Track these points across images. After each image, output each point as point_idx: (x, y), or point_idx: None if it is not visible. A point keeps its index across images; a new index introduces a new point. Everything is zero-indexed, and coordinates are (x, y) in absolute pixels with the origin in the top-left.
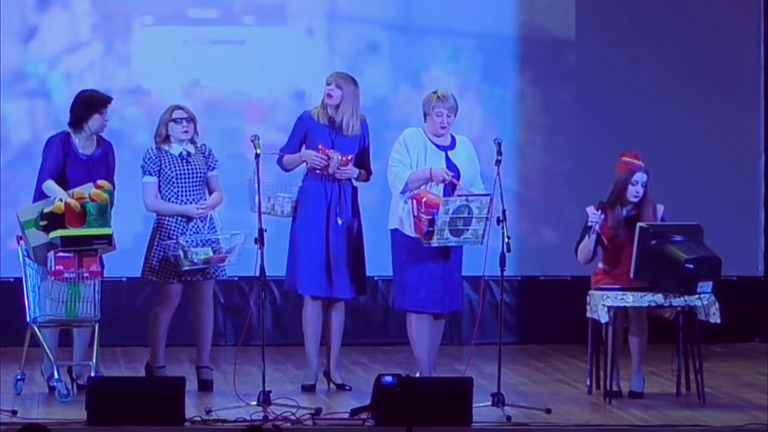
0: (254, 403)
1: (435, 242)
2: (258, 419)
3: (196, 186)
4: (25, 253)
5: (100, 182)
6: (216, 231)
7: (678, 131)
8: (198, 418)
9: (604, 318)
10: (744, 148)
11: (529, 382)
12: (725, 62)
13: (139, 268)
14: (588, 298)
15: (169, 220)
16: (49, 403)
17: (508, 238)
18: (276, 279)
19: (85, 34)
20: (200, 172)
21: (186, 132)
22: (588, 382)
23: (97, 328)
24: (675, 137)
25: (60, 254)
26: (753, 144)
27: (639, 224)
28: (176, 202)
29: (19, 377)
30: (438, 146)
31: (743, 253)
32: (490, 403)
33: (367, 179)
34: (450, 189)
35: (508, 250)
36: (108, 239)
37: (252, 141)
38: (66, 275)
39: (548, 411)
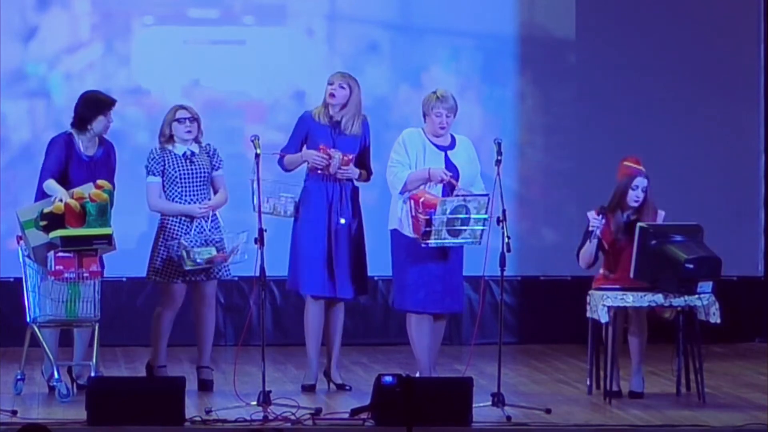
0: (254, 403)
1: (432, 242)
2: (258, 419)
3: (200, 186)
4: (25, 253)
5: (99, 182)
6: (220, 230)
7: (678, 131)
8: (198, 418)
9: (604, 318)
10: (744, 148)
11: (529, 382)
12: (725, 62)
13: (142, 268)
14: (588, 298)
15: (172, 221)
16: (49, 403)
17: (508, 238)
18: (276, 279)
19: (85, 34)
20: (204, 172)
21: (189, 132)
22: (588, 382)
23: (97, 328)
24: (675, 137)
25: (60, 254)
26: (753, 144)
27: (639, 224)
28: (180, 202)
29: (19, 377)
30: (437, 146)
31: (743, 253)
32: (490, 403)
33: (367, 179)
34: (449, 189)
35: (508, 250)
36: (108, 239)
37: (252, 141)
38: (66, 275)
39: (548, 411)
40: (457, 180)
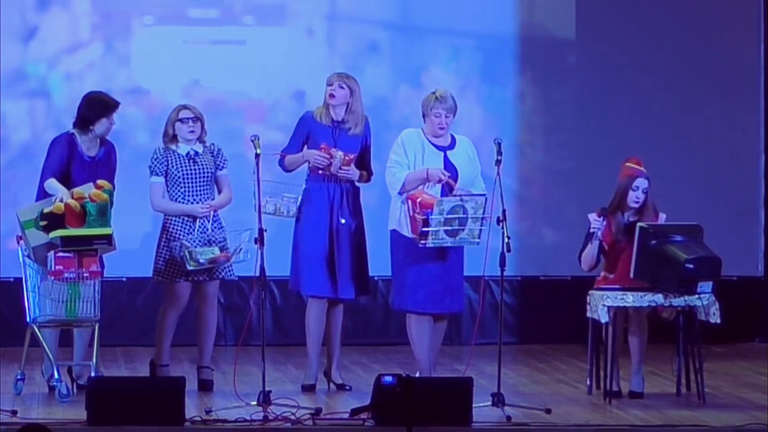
0: (254, 403)
1: (430, 242)
2: (258, 419)
3: (203, 186)
4: (25, 253)
5: (99, 182)
6: (223, 230)
7: (678, 131)
8: (198, 418)
9: (604, 318)
10: (744, 148)
11: (529, 382)
12: (725, 62)
13: (144, 268)
14: (588, 298)
15: (174, 221)
16: (49, 403)
17: (508, 238)
18: (276, 279)
19: (85, 34)
20: (208, 172)
21: (192, 132)
22: (588, 382)
23: (97, 328)
24: (675, 137)
25: (60, 254)
26: (753, 144)
27: (639, 224)
28: (183, 202)
29: (19, 377)
30: (437, 146)
31: (743, 253)
32: (490, 403)
33: (368, 180)
34: (447, 189)
35: (508, 250)
36: (108, 239)
37: (252, 141)
38: (66, 275)
39: (548, 411)
40: (455, 180)
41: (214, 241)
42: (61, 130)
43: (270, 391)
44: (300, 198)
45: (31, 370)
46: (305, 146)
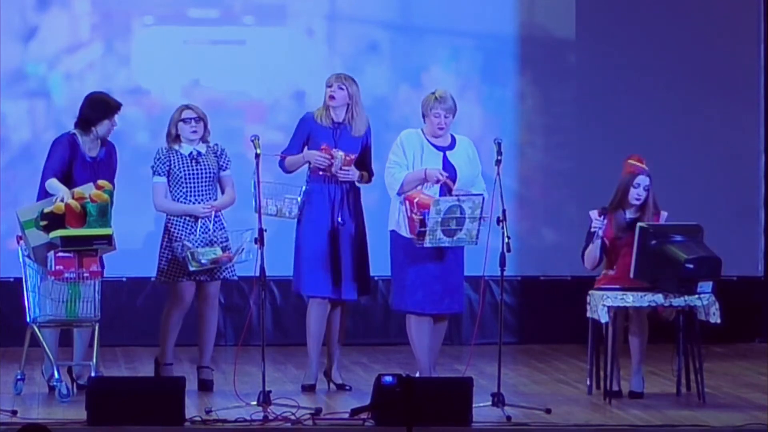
0: (254, 403)
1: (428, 243)
2: (258, 419)
3: (206, 186)
4: (25, 253)
5: (100, 182)
6: (225, 230)
7: (678, 131)
8: (198, 418)
9: (604, 318)
10: (744, 148)
11: (529, 382)
12: (725, 62)
13: (146, 268)
14: (588, 298)
15: (176, 222)
16: (49, 403)
17: (508, 238)
18: (276, 279)
19: (85, 34)
20: (211, 172)
21: (195, 132)
22: (588, 382)
23: (97, 328)
24: (675, 137)
25: (60, 254)
26: (753, 144)
27: (639, 224)
28: (185, 202)
29: (19, 377)
30: (436, 147)
31: (743, 253)
32: (490, 403)
33: (369, 180)
34: (446, 190)
35: (508, 250)
36: (108, 239)
37: (252, 141)
38: (66, 275)
39: (548, 411)
40: (454, 180)
41: (215, 242)
42: (62, 130)
43: (270, 391)
44: (301, 199)
45: (31, 370)
46: (305, 147)
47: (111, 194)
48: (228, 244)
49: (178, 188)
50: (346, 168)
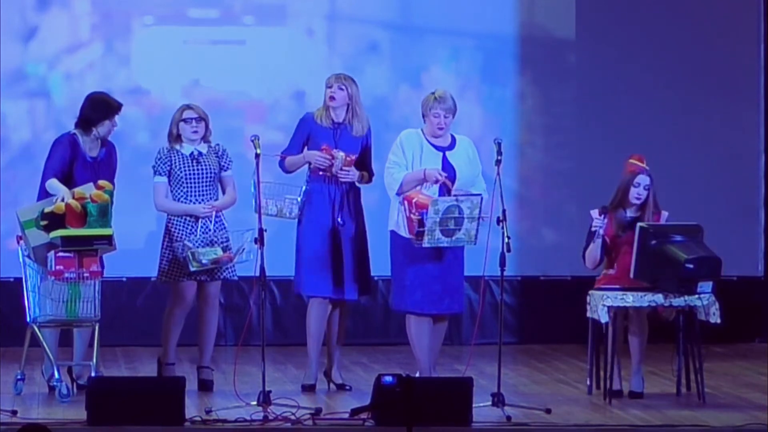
0: (254, 403)
1: (426, 243)
2: (258, 419)
3: (206, 186)
4: (25, 253)
5: (101, 183)
6: (225, 230)
7: (678, 131)
8: (198, 418)
9: (604, 318)
10: (744, 148)
11: (529, 382)
12: (725, 62)
13: (147, 268)
14: (588, 298)
15: (176, 222)
16: (49, 403)
17: (508, 238)
18: (276, 279)
19: (85, 34)
20: (212, 172)
21: (196, 132)
22: (588, 382)
23: (97, 328)
24: (675, 137)
25: (60, 254)
26: (753, 144)
27: (639, 224)
28: (186, 202)
29: (19, 377)
30: (436, 147)
31: (743, 253)
32: (490, 403)
33: (369, 180)
34: (445, 190)
35: (508, 250)
36: (108, 239)
37: (252, 141)
38: (66, 275)
39: (548, 411)
40: (453, 181)
41: (216, 242)
42: (62, 130)
43: (270, 391)
44: (301, 199)
45: (31, 370)
46: (305, 147)
47: (111, 194)
48: (229, 245)
49: (178, 188)
50: (346, 168)
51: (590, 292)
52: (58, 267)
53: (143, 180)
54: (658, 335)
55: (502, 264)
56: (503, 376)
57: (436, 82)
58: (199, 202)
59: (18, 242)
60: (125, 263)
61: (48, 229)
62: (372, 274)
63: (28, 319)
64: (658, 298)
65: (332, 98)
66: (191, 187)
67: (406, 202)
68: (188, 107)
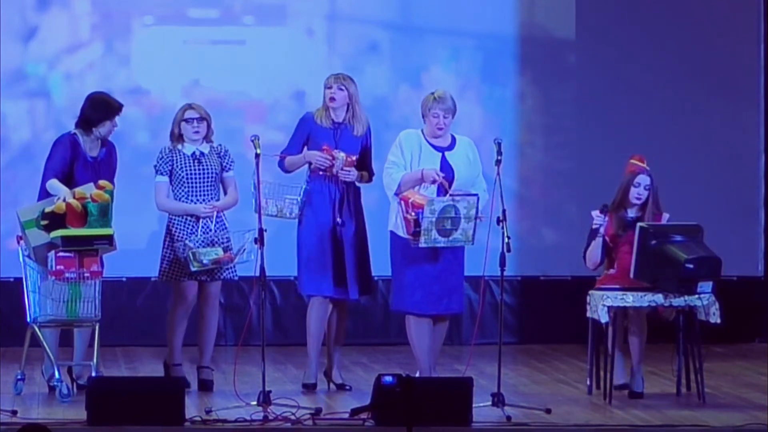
0: (254, 403)
1: (423, 243)
2: (258, 419)
3: (208, 186)
4: (26, 253)
5: (101, 182)
6: (226, 230)
7: (678, 131)
8: (198, 418)
9: (604, 318)
10: (744, 148)
11: (529, 382)
12: (725, 62)
13: (147, 268)
14: (588, 298)
15: (177, 222)
16: (49, 403)
17: (508, 238)
18: (276, 279)
19: (85, 34)
20: (213, 173)
21: (197, 132)
22: (588, 382)
23: (97, 328)
24: (675, 137)
25: (61, 254)
26: (753, 144)
27: (639, 224)
28: (187, 202)
29: (19, 377)
30: (435, 147)
31: (743, 253)
32: (490, 403)
33: (369, 180)
34: (443, 190)
35: (508, 250)
36: (109, 239)
37: (252, 141)
38: (67, 275)
39: (548, 411)
40: (451, 181)
41: (217, 242)
42: (62, 130)
43: (270, 391)
44: (301, 199)
45: (31, 370)
46: (305, 147)
47: (112, 194)
48: (230, 245)
49: (180, 188)
50: (347, 168)
51: (590, 292)
52: (58, 267)
53: (143, 180)
54: (658, 335)
55: (502, 264)
56: (503, 376)
57: (436, 82)
58: (201, 202)
59: (18, 242)
60: (125, 263)
61: (48, 229)
62: (372, 274)
63: (28, 319)
64: (658, 298)
65: (332, 99)
66: (193, 187)
67: (402, 202)
68: (190, 107)
